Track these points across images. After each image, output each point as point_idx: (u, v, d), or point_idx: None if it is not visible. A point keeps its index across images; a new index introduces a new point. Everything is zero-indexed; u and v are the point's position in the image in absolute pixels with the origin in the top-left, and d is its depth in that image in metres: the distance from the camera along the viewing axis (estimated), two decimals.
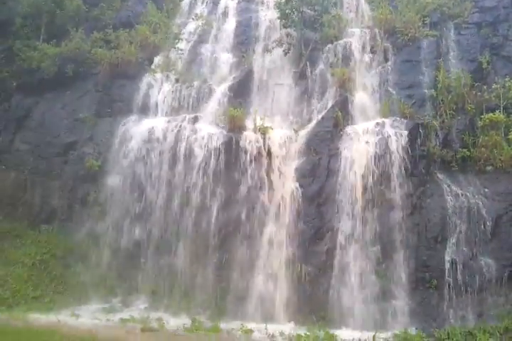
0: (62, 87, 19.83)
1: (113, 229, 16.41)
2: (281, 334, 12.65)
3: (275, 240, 15.02)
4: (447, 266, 13.32)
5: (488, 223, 13.71)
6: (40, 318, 13.14)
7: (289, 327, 13.18)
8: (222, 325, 13.18)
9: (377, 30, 19.20)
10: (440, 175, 15.12)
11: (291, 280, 14.41)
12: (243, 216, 15.41)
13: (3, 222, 17.74)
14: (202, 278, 14.98)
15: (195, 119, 17.64)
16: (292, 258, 14.68)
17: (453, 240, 13.73)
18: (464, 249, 13.55)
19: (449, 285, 13.13)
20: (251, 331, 12.83)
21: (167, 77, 19.47)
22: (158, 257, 15.72)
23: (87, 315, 14.04)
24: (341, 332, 12.71)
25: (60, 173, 18.40)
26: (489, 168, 15.03)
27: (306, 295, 14.16)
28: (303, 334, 12.59)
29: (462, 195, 14.40)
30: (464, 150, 15.35)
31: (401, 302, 13.42)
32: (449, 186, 14.71)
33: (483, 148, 15.20)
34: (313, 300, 14.02)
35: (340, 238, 14.50)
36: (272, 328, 12.86)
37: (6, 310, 14.05)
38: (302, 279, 14.39)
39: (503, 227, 13.77)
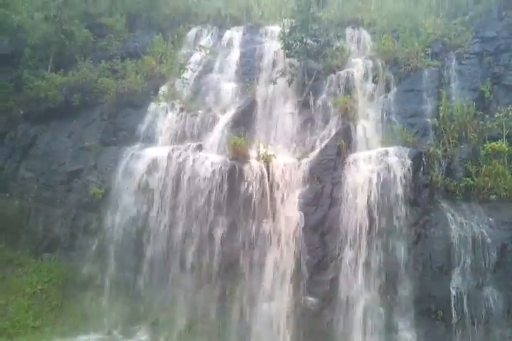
0: (68, 116, 20.09)
1: (115, 258, 16.29)
2: None
3: (278, 270, 14.86)
4: (453, 296, 13.10)
5: (493, 252, 13.51)
6: None
7: None
8: None
9: (379, 61, 19.43)
10: (444, 204, 15.03)
11: (294, 311, 14.19)
12: (246, 245, 15.30)
13: (5, 251, 17.66)
14: (204, 309, 14.78)
15: (199, 148, 17.75)
16: (296, 289, 14.49)
17: (458, 270, 13.54)
18: (470, 279, 13.33)
19: (454, 316, 12.90)
20: None
21: (172, 105, 19.66)
22: (159, 287, 15.55)
23: None
24: None
25: (63, 201, 18.42)
26: (493, 196, 14.95)
27: (310, 327, 13.93)
28: None
29: (466, 224, 14.26)
30: (468, 179, 15.30)
31: (407, 333, 13.16)
32: (453, 215, 14.60)
33: (486, 177, 15.14)
34: (317, 332, 13.78)
35: (344, 268, 14.33)
36: None
37: (5, 340, 13.87)
38: (306, 310, 14.20)
39: (509, 257, 13.59)
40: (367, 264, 14.18)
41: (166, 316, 15.03)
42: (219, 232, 15.62)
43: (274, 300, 14.49)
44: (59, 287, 16.59)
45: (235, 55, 21.80)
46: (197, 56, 22.07)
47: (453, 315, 12.95)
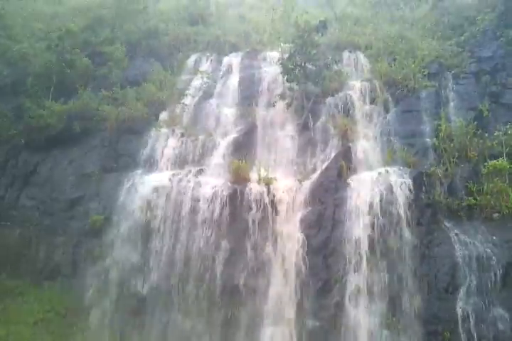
0: (69, 144, 20.22)
1: (116, 286, 16.13)
2: None
3: (282, 293, 14.69)
4: (459, 317, 12.87)
5: (498, 271, 13.31)
6: None
7: None
8: None
9: (376, 82, 19.60)
10: (447, 224, 14.91)
11: (299, 335, 13.96)
12: (248, 268, 15.16)
13: (6, 280, 17.51)
14: (207, 335, 14.57)
15: (200, 172, 17.79)
16: (300, 313, 14.34)
17: (464, 290, 13.31)
18: (476, 299, 13.08)
19: (462, 337, 12.63)
20: None
21: (173, 131, 19.79)
22: (161, 314, 15.37)
23: None
24: None
25: (64, 229, 18.36)
26: (496, 215, 14.83)
27: None
28: None
29: (470, 243, 14.11)
30: (470, 198, 15.21)
31: None
32: (456, 234, 14.46)
33: (488, 196, 15.07)
34: None
35: (349, 290, 14.13)
36: None
37: None
38: (311, 334, 13.96)
39: None
40: (371, 286, 13.99)
41: None
42: (221, 256, 15.51)
43: (277, 325, 14.26)
44: (61, 316, 16.40)
45: (234, 80, 22.02)
46: (196, 82, 22.31)
47: (461, 336, 12.70)
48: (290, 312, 14.35)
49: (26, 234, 18.70)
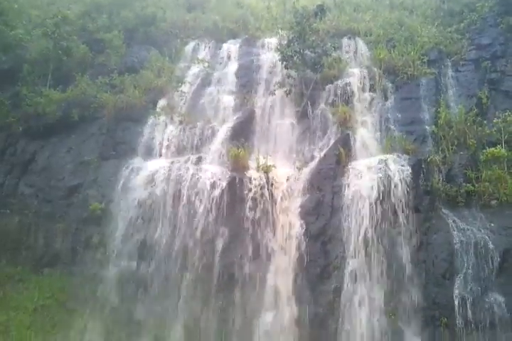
0: (67, 131, 20.15)
1: (116, 272, 16.16)
2: None
3: (280, 280, 14.77)
4: (457, 302, 12.94)
5: (495, 258, 13.39)
6: None
7: None
8: None
9: (376, 70, 19.56)
10: (445, 211, 14.97)
11: (298, 321, 14.07)
12: (247, 255, 15.23)
13: (6, 267, 17.58)
14: (206, 321, 14.64)
15: (199, 160, 17.74)
16: (299, 299, 14.40)
17: (461, 276, 13.38)
18: (473, 284, 13.16)
19: (459, 322, 12.73)
20: None
21: (171, 119, 19.75)
22: (161, 300, 15.39)
23: None
24: None
25: (63, 216, 18.36)
26: (494, 202, 14.88)
27: (314, 336, 13.80)
28: None
29: (468, 230, 14.17)
30: (468, 185, 15.25)
31: None
32: (454, 221, 14.51)
33: (486, 183, 15.11)
34: None
35: (347, 277, 14.22)
36: None
37: None
38: (310, 320, 14.07)
39: (511, 262, 13.48)
40: (369, 272, 14.07)
41: (167, 329, 14.86)
42: (220, 243, 15.55)
43: (276, 311, 14.35)
44: (60, 302, 16.45)
45: (232, 67, 21.93)
46: (195, 69, 22.22)
47: (457, 322, 12.79)
48: (289, 299, 14.43)
49: (25, 222, 18.69)
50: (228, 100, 20.44)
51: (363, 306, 13.78)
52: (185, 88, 21.11)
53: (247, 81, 21.18)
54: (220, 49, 23.50)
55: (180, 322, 14.85)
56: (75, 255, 17.67)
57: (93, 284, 16.38)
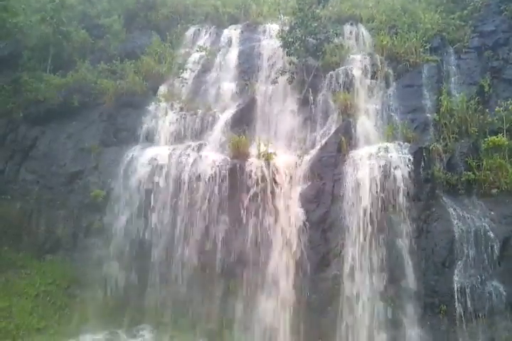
0: (67, 117, 20.09)
1: (117, 258, 16.31)
2: None
3: (281, 267, 14.87)
4: (456, 290, 13.06)
5: (495, 246, 13.47)
6: None
7: None
8: None
9: (378, 57, 19.36)
10: (445, 199, 14.98)
11: (297, 308, 14.20)
12: (248, 243, 15.31)
13: (7, 253, 17.70)
14: (207, 308, 14.80)
15: (200, 147, 17.75)
16: (298, 286, 14.52)
17: (461, 264, 13.50)
18: (472, 273, 13.27)
19: (458, 310, 12.86)
20: None
21: (171, 105, 19.67)
22: (163, 286, 15.57)
23: None
24: None
25: (65, 203, 18.45)
26: (494, 190, 14.89)
27: (313, 323, 13.94)
28: None
29: (468, 218, 14.22)
30: (469, 173, 15.24)
31: (410, 328, 13.14)
32: (454, 209, 14.55)
33: (487, 171, 15.10)
34: (320, 328, 13.80)
35: (347, 264, 14.31)
36: None
37: None
38: (309, 307, 14.21)
39: (511, 250, 13.54)
40: (369, 260, 14.16)
41: (170, 315, 15.05)
42: (221, 230, 15.62)
43: (277, 298, 14.48)
44: (62, 288, 16.62)
45: (233, 53, 21.76)
46: (195, 55, 22.07)
47: (456, 309, 12.92)
48: (289, 285, 14.56)
49: (27, 208, 18.79)
50: (229, 87, 20.32)
51: (362, 294, 13.85)
52: (185, 74, 20.99)
53: (248, 67, 21.04)
54: (220, 35, 23.27)
55: (181, 308, 14.98)
56: (76, 241, 17.82)
57: (95, 270, 16.51)
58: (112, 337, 14.71)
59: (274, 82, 19.71)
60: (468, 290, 13.00)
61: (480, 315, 12.76)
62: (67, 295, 16.45)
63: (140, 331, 15.05)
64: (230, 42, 22.62)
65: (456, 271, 13.44)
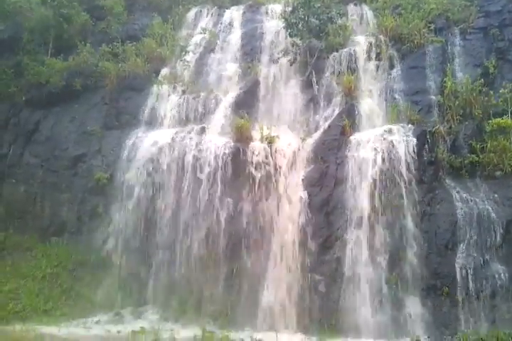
0: (70, 101, 20.08)
1: (122, 241, 16.45)
2: None
3: (284, 249, 14.94)
4: (458, 272, 13.15)
5: (498, 229, 13.51)
6: (52, 331, 13.18)
7: (299, 337, 13.11)
8: (233, 335, 13.13)
9: (382, 38, 19.13)
10: (449, 181, 15.00)
11: (301, 290, 14.32)
12: (251, 226, 15.38)
13: (13, 235, 17.91)
14: (212, 289, 14.92)
15: (202, 130, 17.70)
16: (301, 268, 14.60)
17: (463, 246, 13.57)
18: (475, 255, 13.35)
19: (460, 292, 12.97)
20: None
21: (174, 88, 19.60)
22: (168, 268, 15.69)
23: (98, 327, 14.08)
24: None
25: (69, 186, 18.55)
26: (498, 173, 14.87)
27: (316, 304, 14.06)
28: None
29: (471, 200, 14.23)
30: (473, 155, 15.21)
31: (412, 310, 13.23)
32: (458, 192, 14.57)
33: (491, 154, 15.06)
34: (323, 310, 13.89)
35: (350, 246, 14.37)
36: (282, 338, 12.75)
37: (18, 323, 14.09)
38: (312, 288, 14.32)
39: None
40: (372, 242, 14.21)
41: (174, 296, 15.18)
42: (224, 213, 15.67)
43: (281, 279, 14.59)
44: (68, 270, 16.81)
45: (235, 35, 21.61)
46: (197, 37, 21.91)
47: (458, 291, 13.03)
48: (292, 267, 14.65)
49: (31, 191, 18.93)
50: (231, 69, 20.22)
51: (365, 275, 13.93)
52: (187, 57, 20.85)
53: (250, 49, 20.90)
54: (222, 16, 23.06)
55: (186, 290, 15.14)
56: (81, 224, 17.95)
57: (99, 253, 16.68)
58: (118, 318, 14.86)
59: (276, 61, 19.52)
60: (470, 272, 13.09)
61: (482, 296, 12.84)
62: (72, 277, 16.63)
63: (145, 312, 15.19)
64: (232, 24, 22.44)
65: (458, 253, 13.52)
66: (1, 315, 14.53)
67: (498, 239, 13.47)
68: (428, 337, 12.71)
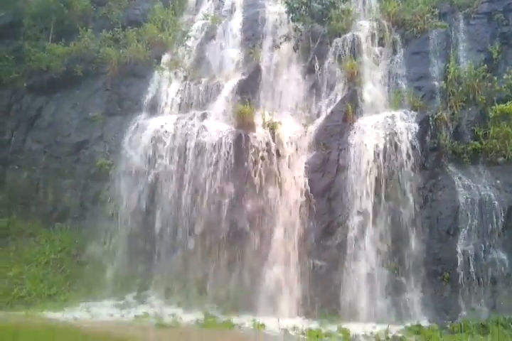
0: (71, 87, 20.02)
1: (125, 227, 16.50)
2: (294, 328, 12.69)
3: (286, 235, 15.01)
4: (459, 258, 13.21)
5: (500, 215, 13.54)
6: (56, 316, 13.27)
7: (301, 322, 13.21)
8: (235, 320, 13.29)
9: (385, 23, 18.95)
10: (451, 168, 15.00)
11: (302, 275, 14.42)
12: (253, 212, 15.39)
13: (16, 221, 18.04)
14: (214, 274, 15.02)
15: (204, 116, 17.64)
16: (303, 253, 14.68)
17: (465, 232, 13.61)
18: (476, 241, 13.40)
19: (461, 277, 13.03)
20: (263, 325, 12.84)
21: (175, 74, 19.52)
22: (170, 253, 15.77)
23: (102, 312, 14.16)
24: (354, 326, 12.69)
25: (71, 172, 18.61)
26: (501, 159, 14.86)
27: (317, 289, 14.15)
28: (315, 329, 12.64)
29: (474, 187, 14.25)
30: (475, 142, 15.18)
31: (413, 295, 13.35)
32: (460, 178, 14.58)
33: (494, 140, 15.02)
34: (325, 295, 14.01)
35: (351, 232, 14.43)
36: (284, 322, 12.86)
37: (22, 308, 14.26)
38: (314, 274, 14.42)
39: None
40: (374, 228, 14.28)
41: (177, 281, 15.30)
42: (226, 200, 15.71)
43: (282, 264, 14.68)
44: (71, 256, 16.96)
45: (237, 20, 21.39)
46: (199, 22, 21.72)
47: (459, 277, 13.09)
48: (294, 253, 14.73)
49: (34, 177, 19.00)
50: (233, 55, 20.08)
51: (366, 261, 14.02)
52: (189, 42, 20.70)
53: (252, 34, 20.70)
54: (224, 0, 22.80)
55: (188, 275, 15.23)
56: (83, 210, 18.05)
57: (103, 238, 16.75)
58: (122, 303, 14.98)
59: (277, 46, 19.37)
60: (471, 258, 13.15)
61: (482, 282, 12.93)
62: (76, 262, 16.78)
63: (148, 297, 15.33)
64: (233, 8, 22.22)
65: (460, 239, 13.56)
66: (6, 300, 14.73)
67: (500, 225, 13.51)
68: (429, 322, 12.81)
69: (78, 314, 13.71)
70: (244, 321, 13.24)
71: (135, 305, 14.88)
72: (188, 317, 13.58)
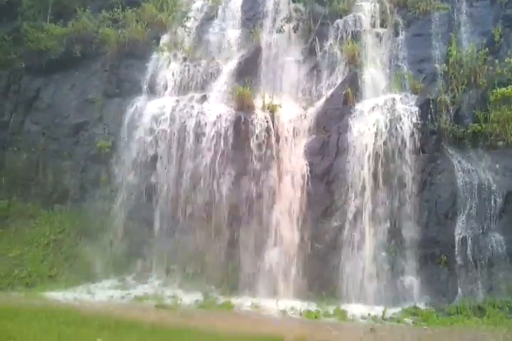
0: (70, 68, 19.77)
1: (125, 208, 16.57)
2: (292, 309, 12.92)
3: (285, 218, 15.10)
4: (457, 241, 13.34)
5: (498, 199, 13.61)
6: (56, 296, 13.39)
7: (299, 303, 13.35)
8: (234, 301, 13.50)
9: (387, 4, 18.73)
10: (451, 151, 14.98)
11: (301, 257, 14.54)
12: (253, 194, 15.48)
13: (16, 203, 18.05)
14: (214, 256, 15.14)
15: (204, 98, 17.55)
16: (302, 236, 14.81)
17: (463, 216, 13.71)
18: (474, 224, 13.51)
19: (458, 260, 13.18)
20: (262, 307, 13.03)
21: (175, 55, 19.32)
22: (170, 235, 15.88)
23: (102, 293, 14.31)
24: (351, 308, 12.90)
25: (71, 154, 18.55)
26: (500, 143, 14.83)
27: (316, 271, 14.31)
28: (313, 310, 12.85)
29: (473, 170, 14.27)
30: (475, 125, 15.12)
31: (411, 277, 13.52)
32: (459, 162, 14.59)
33: (494, 124, 14.97)
34: (323, 277, 14.18)
35: (350, 215, 14.52)
36: (283, 304, 13.08)
37: (23, 289, 14.40)
38: (312, 256, 14.55)
39: None
40: (372, 211, 14.36)
41: (177, 263, 15.43)
42: (226, 182, 15.74)
43: (281, 246, 14.81)
44: (72, 237, 17.00)
45: (237, 0, 21.05)
46: (198, 3, 21.43)
47: (457, 260, 13.23)
48: (293, 235, 14.83)
49: (33, 159, 18.92)
50: (233, 36, 19.85)
51: (364, 243, 14.13)
52: (188, 23, 20.42)
53: (252, 15, 20.43)
54: None
55: (189, 256, 15.34)
56: (83, 192, 18.04)
57: (103, 220, 16.80)
58: (122, 284, 15.13)
59: (280, 30, 19.18)
60: (469, 242, 13.27)
61: (479, 265, 13.07)
62: (76, 244, 16.82)
63: (149, 278, 15.48)
64: None
65: (458, 223, 13.66)
66: (6, 281, 14.86)
67: (498, 209, 13.58)
68: (426, 304, 12.97)
69: (78, 295, 13.82)
70: (244, 302, 13.41)
71: (135, 286, 15.04)
72: (188, 298, 13.76)
